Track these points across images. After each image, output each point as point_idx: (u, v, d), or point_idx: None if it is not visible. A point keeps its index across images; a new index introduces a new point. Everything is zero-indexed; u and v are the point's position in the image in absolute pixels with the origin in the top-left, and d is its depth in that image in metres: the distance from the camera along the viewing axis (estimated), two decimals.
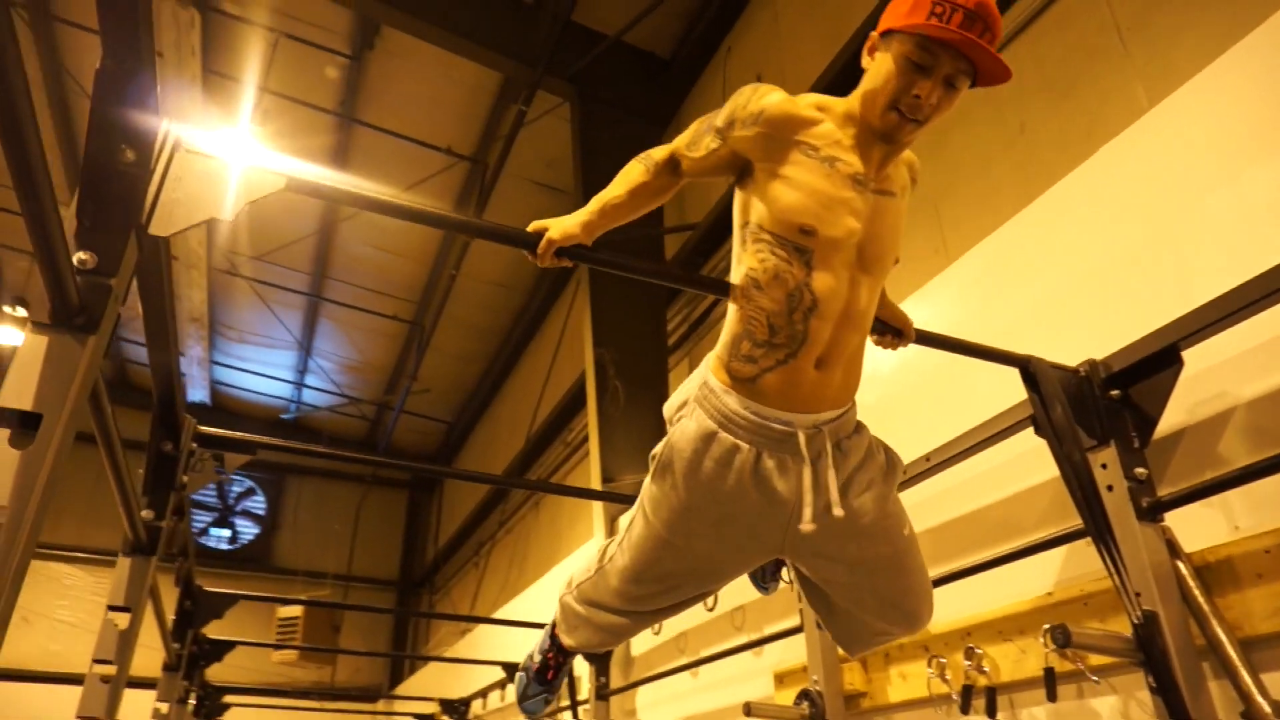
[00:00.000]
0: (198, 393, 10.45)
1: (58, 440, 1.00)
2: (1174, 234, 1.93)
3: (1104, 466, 1.75)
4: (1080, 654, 1.80)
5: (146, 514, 1.94)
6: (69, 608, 9.29)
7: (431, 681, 7.95)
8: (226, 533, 10.86)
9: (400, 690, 9.15)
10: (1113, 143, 2.19)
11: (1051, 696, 1.84)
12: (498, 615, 6.20)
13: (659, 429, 4.65)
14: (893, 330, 1.67)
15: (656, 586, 1.56)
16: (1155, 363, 1.74)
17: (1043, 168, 2.93)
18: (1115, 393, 1.80)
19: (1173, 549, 1.68)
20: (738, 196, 1.45)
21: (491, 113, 6.90)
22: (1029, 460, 2.13)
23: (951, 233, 3.30)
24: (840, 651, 2.55)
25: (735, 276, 1.42)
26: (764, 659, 3.03)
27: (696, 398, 1.44)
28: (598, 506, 4.53)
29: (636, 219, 1.56)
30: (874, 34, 1.34)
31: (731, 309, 1.42)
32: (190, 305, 8.51)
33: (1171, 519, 1.73)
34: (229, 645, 4.29)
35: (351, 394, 10.80)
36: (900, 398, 2.68)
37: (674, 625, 3.64)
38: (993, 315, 2.40)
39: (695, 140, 1.48)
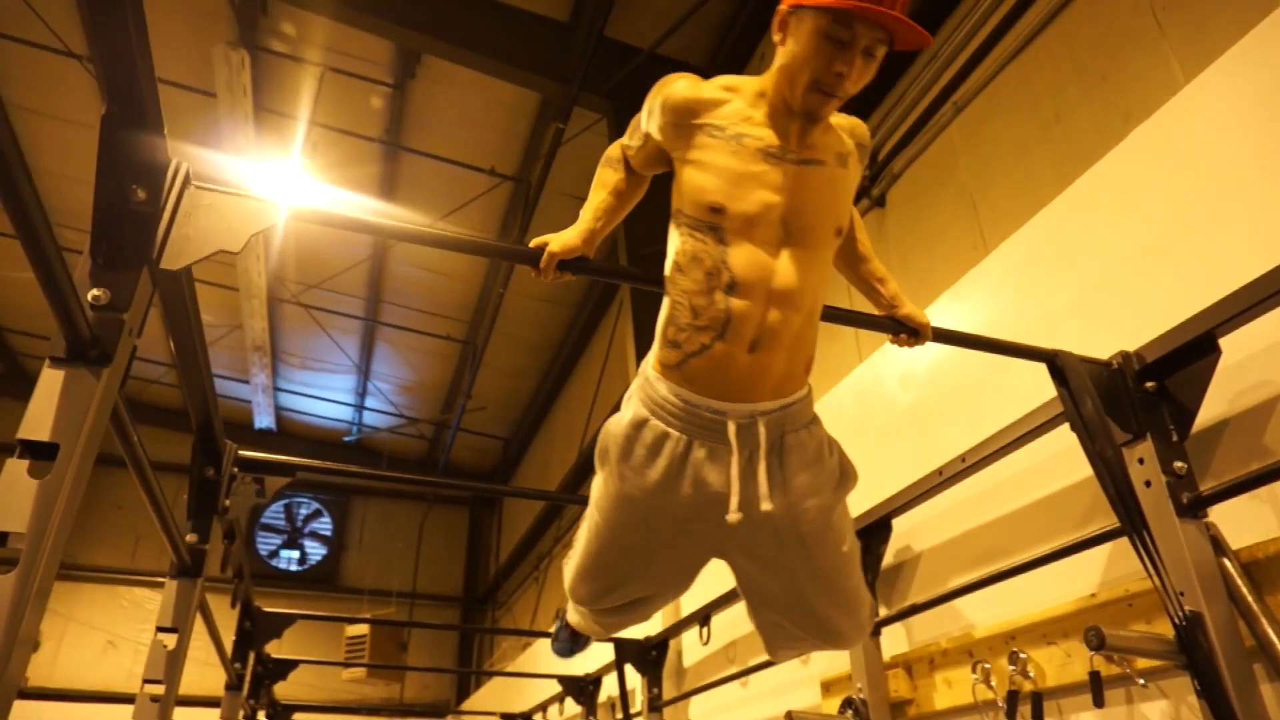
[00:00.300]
0: (264, 419, 10.79)
1: (74, 469, 1.05)
2: (1211, 214, 1.85)
3: (1140, 461, 1.69)
4: (1127, 657, 1.73)
5: (191, 538, 2.01)
6: (118, 627, 9.63)
7: (495, 696, 8.02)
8: (296, 554, 11.15)
9: (466, 705, 9.26)
10: (1146, 123, 2.11)
11: (1098, 702, 1.77)
12: None
13: None
14: (908, 330, 1.64)
15: (600, 584, 1.56)
16: (1191, 352, 1.67)
17: (1080, 156, 2.85)
18: (1150, 384, 1.73)
19: (1218, 546, 1.61)
20: (673, 187, 1.45)
21: (532, 132, 7.00)
22: (1069, 456, 2.06)
23: (990, 227, 3.23)
24: (885, 658, 2.51)
25: (665, 266, 1.41)
26: (811, 667, 2.98)
27: (636, 386, 1.44)
28: None
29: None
30: (781, 8, 1.30)
31: (664, 299, 1.42)
32: (253, 334, 8.80)
33: (1216, 515, 1.66)
34: (292, 664, 4.40)
35: (409, 414, 11.02)
36: (939, 398, 2.62)
37: (722, 634, 3.61)
38: (1028, 308, 2.34)
39: (631, 134, 1.52)
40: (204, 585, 2.04)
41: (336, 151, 7.08)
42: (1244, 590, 1.55)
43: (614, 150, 1.58)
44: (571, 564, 1.61)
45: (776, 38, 1.34)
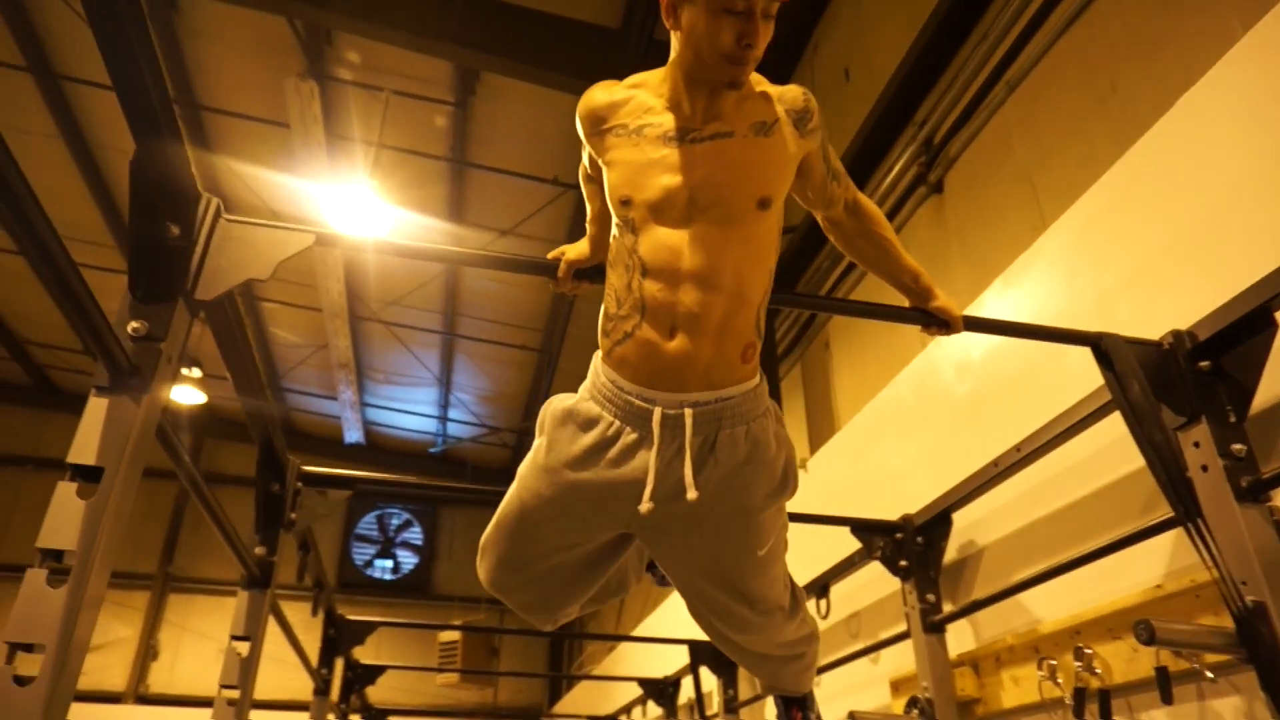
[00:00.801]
0: (354, 434, 11.19)
1: (118, 490, 1.13)
2: (1270, 179, 1.75)
3: (1196, 445, 1.61)
4: (1195, 651, 1.65)
5: (260, 550, 2.13)
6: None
7: (584, 699, 8.12)
8: (389, 564, 11.53)
9: (558, 708, 9.40)
10: (1199, 84, 2.01)
11: (1166, 698, 1.70)
12: (637, 632, 6.28)
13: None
14: (938, 322, 1.61)
15: (503, 556, 1.53)
16: (1245, 328, 1.59)
17: (1139, 127, 2.70)
18: (1204, 364, 1.65)
19: None
20: None
21: None
22: (1129, 442, 1.98)
23: (1050, 207, 3.11)
24: (952, 656, 2.45)
25: None
26: (880, 666, 2.93)
27: (589, 375, 1.44)
28: None
29: None
30: None
31: None
32: (338, 352, 9.14)
33: None
34: (380, 669, 4.55)
35: (491, 423, 11.26)
36: (996, 386, 2.54)
37: None
38: (1083, 288, 2.25)
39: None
40: (275, 594, 2.14)
41: (405, 172, 7.30)
42: None
43: (581, 167, 1.62)
44: (485, 541, 1.58)
45: (667, 22, 1.34)
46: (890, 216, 4.26)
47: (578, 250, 1.50)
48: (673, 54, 1.36)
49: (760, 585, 1.49)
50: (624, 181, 1.35)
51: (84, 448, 1.13)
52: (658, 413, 1.30)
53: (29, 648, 1.04)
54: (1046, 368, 2.32)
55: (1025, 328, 1.70)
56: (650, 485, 1.29)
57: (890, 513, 2.65)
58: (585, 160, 1.56)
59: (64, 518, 1.09)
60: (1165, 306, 1.93)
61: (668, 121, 1.35)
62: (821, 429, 4.86)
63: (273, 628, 3.13)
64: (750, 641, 1.59)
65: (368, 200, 6.51)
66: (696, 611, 1.57)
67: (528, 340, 9.64)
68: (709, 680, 4.07)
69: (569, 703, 8.98)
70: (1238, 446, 1.57)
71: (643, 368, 1.31)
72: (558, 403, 1.42)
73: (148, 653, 9.96)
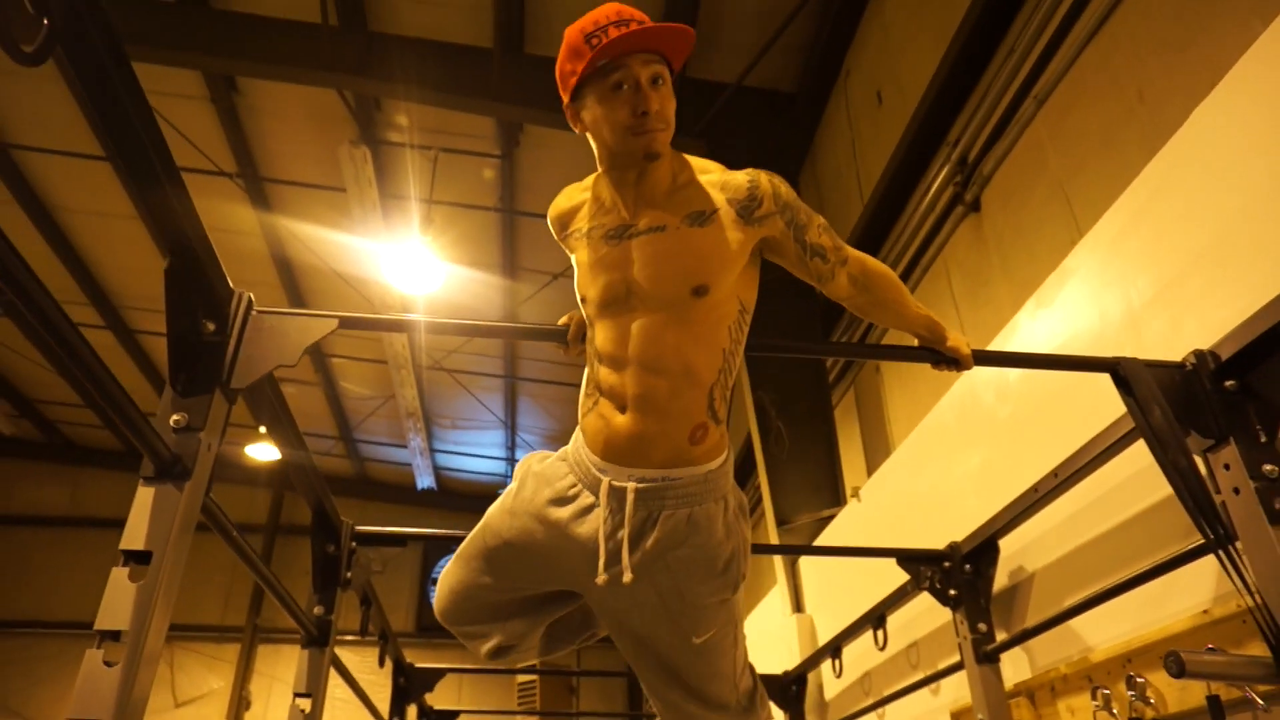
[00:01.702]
0: (425, 480, 11.45)
1: (166, 572, 1.23)
2: None
3: (1226, 468, 1.58)
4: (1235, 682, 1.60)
5: (318, 610, 2.23)
6: (343, 685, 10.39)
7: None
8: None
9: None
10: (1218, 87, 1.97)
11: None
12: None
13: (827, 466, 4.62)
14: (947, 360, 1.62)
15: (455, 587, 1.62)
16: (1269, 344, 1.56)
17: (1168, 134, 2.67)
18: (1230, 383, 1.62)
19: None
20: None
21: None
22: None
23: (1086, 219, 3.06)
24: (1007, 686, 2.41)
25: None
26: (941, 697, 2.88)
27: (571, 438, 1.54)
28: (777, 559, 4.52)
29: None
30: (566, 107, 1.41)
31: None
32: (405, 402, 9.40)
33: None
34: (454, 715, 4.64)
35: None
36: (1036, 408, 2.51)
37: (856, 665, 3.54)
38: (1113, 305, 2.21)
39: None
40: (334, 651, 2.24)
41: (459, 225, 7.54)
42: None
43: None
44: (444, 571, 1.69)
45: (576, 129, 1.43)
46: (930, 238, 4.24)
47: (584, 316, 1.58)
48: (598, 157, 1.44)
49: (699, 677, 1.50)
50: (580, 281, 1.48)
51: (134, 534, 1.24)
52: (605, 483, 1.39)
53: None
54: (1084, 387, 2.28)
55: (1039, 358, 1.70)
56: (603, 557, 1.36)
57: (941, 540, 2.62)
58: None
59: (118, 600, 1.19)
60: (1195, 321, 1.90)
61: (610, 221, 1.44)
62: (878, 455, 4.81)
63: (359, 674, 3.27)
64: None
65: (423, 256, 6.73)
66: (651, 699, 1.63)
67: None
68: (777, 715, 4.03)
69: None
70: (1269, 467, 1.53)
71: (599, 439, 1.40)
72: (535, 458, 1.55)
73: (240, 703, 10.30)
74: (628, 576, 1.34)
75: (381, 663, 3.21)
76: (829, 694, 3.91)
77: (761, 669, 4.11)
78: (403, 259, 6.74)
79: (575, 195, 1.54)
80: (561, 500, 1.45)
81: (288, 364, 1.44)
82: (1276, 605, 1.45)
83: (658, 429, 1.35)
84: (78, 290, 8.33)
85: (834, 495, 4.65)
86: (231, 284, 1.44)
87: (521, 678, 9.22)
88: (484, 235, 7.78)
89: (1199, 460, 1.64)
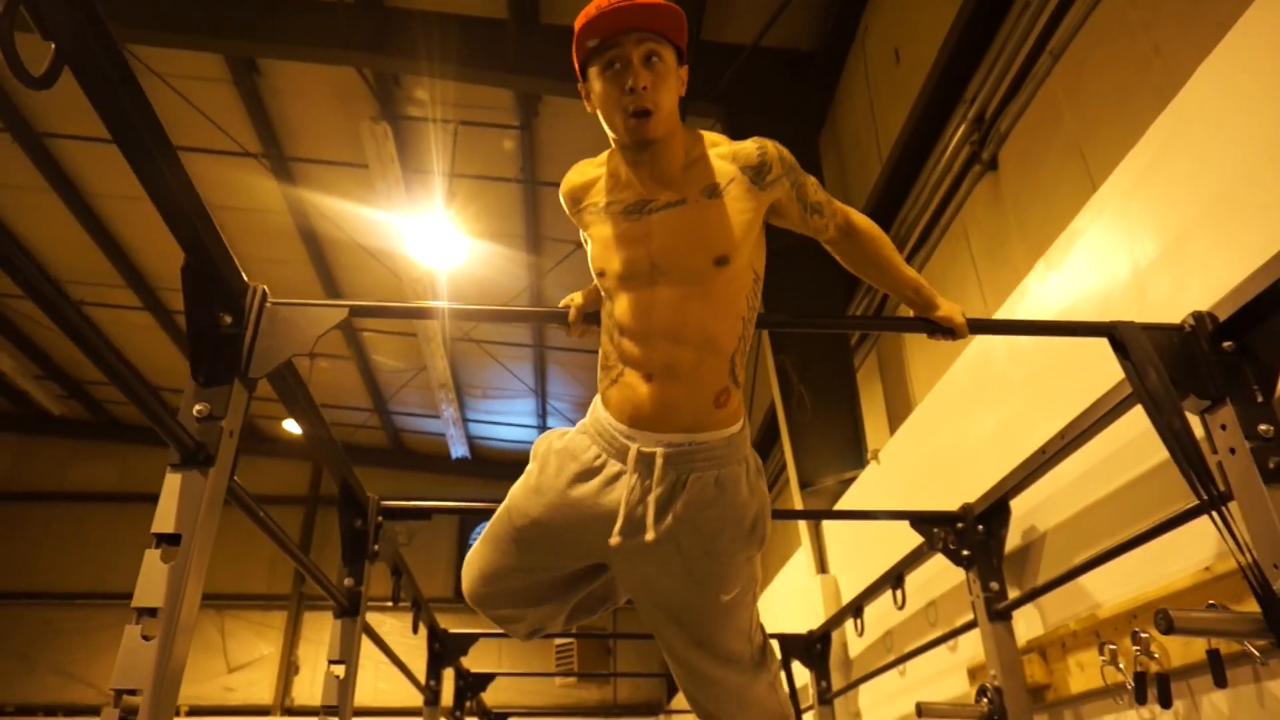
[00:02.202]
0: (459, 449, 11.65)
1: (195, 552, 1.32)
2: None
3: (1223, 428, 1.59)
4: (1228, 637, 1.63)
5: (348, 582, 2.34)
6: (366, 649, 10.77)
7: None
8: None
9: (674, 704, 9.57)
10: (1224, 41, 1.94)
11: (1220, 682, 1.69)
12: None
13: (850, 428, 4.65)
14: (943, 330, 1.65)
15: (484, 570, 1.65)
16: (1265, 305, 1.56)
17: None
18: (1228, 345, 1.63)
19: None
20: None
21: None
22: None
23: (1101, 177, 3.01)
24: (1021, 643, 2.46)
25: None
26: (959, 654, 2.94)
27: (589, 409, 1.57)
28: (801, 524, 4.58)
29: None
30: (580, 86, 1.47)
31: None
32: (436, 374, 9.55)
33: None
34: (489, 677, 4.80)
35: None
36: (1048, 368, 2.52)
37: (878, 624, 3.60)
38: (1122, 266, 2.21)
39: None
40: (365, 620, 2.35)
41: (483, 198, 7.59)
42: None
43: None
44: (470, 554, 1.71)
45: (589, 109, 1.48)
46: (947, 198, 4.21)
47: (586, 297, 1.63)
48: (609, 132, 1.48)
49: (721, 633, 1.55)
50: (597, 255, 1.50)
51: (164, 518, 1.32)
52: (633, 450, 1.42)
53: (133, 692, 1.23)
54: (1095, 348, 2.27)
55: (1035, 325, 1.72)
56: (621, 519, 1.40)
57: (958, 501, 2.66)
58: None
59: (151, 580, 1.28)
60: (1199, 281, 1.89)
61: (629, 196, 1.47)
62: (900, 416, 4.83)
63: (402, 639, 3.41)
64: (714, 700, 1.61)
65: (446, 230, 6.80)
66: (668, 660, 1.66)
67: None
68: (800, 674, 4.12)
69: (683, 699, 9.13)
70: (1264, 427, 1.55)
71: (625, 408, 1.44)
72: (554, 435, 1.58)
73: (289, 668, 10.68)
74: (650, 535, 1.38)
75: (415, 629, 3.33)
76: (853, 652, 3.99)
77: (787, 629, 4.21)
78: (426, 233, 6.81)
79: (588, 170, 1.57)
80: (588, 472, 1.48)
81: (301, 353, 1.51)
82: (1269, 563, 1.47)
83: (683, 395, 1.41)
84: (115, 274, 8.55)
85: (857, 457, 4.68)
86: (246, 278, 1.51)
87: (559, 640, 9.46)
88: (507, 207, 7.83)
89: (1198, 421, 1.66)
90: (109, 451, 11.62)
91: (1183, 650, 1.87)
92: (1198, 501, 1.58)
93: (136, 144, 1.17)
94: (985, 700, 2.37)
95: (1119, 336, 1.67)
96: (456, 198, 7.30)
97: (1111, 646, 2.07)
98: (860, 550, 3.99)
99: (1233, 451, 1.57)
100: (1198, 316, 1.68)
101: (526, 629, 1.76)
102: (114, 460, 11.55)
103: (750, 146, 1.48)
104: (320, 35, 5.86)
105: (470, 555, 1.73)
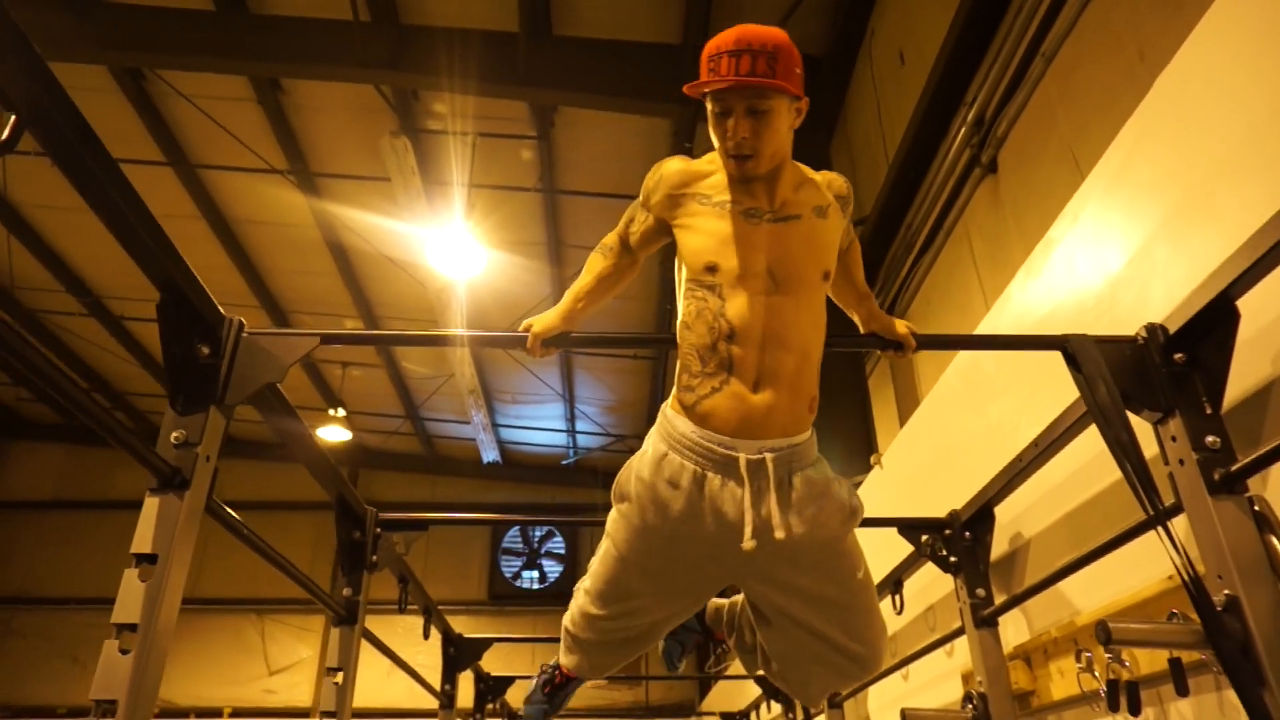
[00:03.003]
0: (490, 454, 11.82)
1: (171, 571, 1.41)
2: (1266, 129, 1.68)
3: (1174, 440, 1.61)
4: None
5: (346, 591, 2.43)
6: (424, 653, 10.96)
7: (725, 697, 8.28)
8: (535, 574, 12.09)
9: (704, 705, 9.61)
10: (1186, 43, 1.94)
11: (1181, 690, 1.70)
12: None
13: (861, 432, 4.66)
14: (892, 345, 1.69)
15: (619, 607, 1.68)
16: (1209, 317, 1.58)
17: None
18: (1179, 356, 1.64)
19: (1264, 523, 1.51)
20: (677, 261, 1.61)
21: (672, 152, 7.22)
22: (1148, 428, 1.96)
23: None
24: (1007, 650, 2.47)
25: (677, 324, 1.58)
26: (955, 658, 2.95)
27: (656, 426, 1.59)
28: None
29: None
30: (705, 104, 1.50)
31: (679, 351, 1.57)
32: (464, 380, 9.71)
33: (1271, 491, 1.55)
34: (509, 680, 4.89)
35: (616, 432, 11.61)
36: (1034, 372, 2.53)
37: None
38: (1093, 274, 2.22)
39: (631, 218, 1.69)
40: (362, 629, 2.44)
41: (503, 209, 7.72)
42: None
43: (610, 238, 1.74)
44: (584, 593, 1.75)
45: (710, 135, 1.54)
46: (950, 201, 4.21)
47: (544, 324, 1.67)
48: None
49: (863, 612, 1.65)
50: (707, 249, 1.51)
51: (142, 539, 1.42)
52: (742, 459, 1.46)
53: (111, 703, 1.32)
54: None
55: (987, 339, 1.75)
56: (749, 525, 1.44)
57: (953, 507, 2.67)
58: (637, 226, 1.68)
59: (130, 597, 1.38)
60: (1161, 291, 1.90)
61: (746, 201, 1.54)
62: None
63: (404, 645, 3.51)
64: (854, 668, 1.72)
65: (465, 241, 6.91)
66: (782, 653, 1.74)
67: (639, 349, 9.91)
68: None
69: (712, 700, 9.17)
70: (1211, 439, 1.56)
71: (730, 419, 1.47)
72: (640, 464, 1.57)
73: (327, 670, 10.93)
74: (780, 534, 1.43)
75: (426, 635, 3.43)
76: None
77: None
78: (446, 245, 6.93)
79: (698, 162, 1.61)
80: (695, 492, 1.48)
81: (275, 380, 1.60)
82: (1214, 573, 1.49)
83: (787, 402, 1.48)
84: (152, 288, 8.81)
85: (868, 462, 4.69)
86: (223, 310, 1.60)
87: None
88: (528, 216, 7.94)
89: (1155, 433, 1.68)
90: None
91: (1150, 659, 1.88)
92: (1143, 519, 1.60)
93: (103, 198, 1.26)
94: (970, 707, 2.39)
95: (1070, 349, 1.69)
96: (476, 209, 7.42)
97: (1087, 654, 2.09)
98: (866, 554, 4.00)
99: (1182, 463, 1.59)
100: (1150, 328, 1.70)
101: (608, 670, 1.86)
102: None
103: (839, 179, 1.65)
104: (336, 54, 6.02)
105: (591, 601, 1.73)
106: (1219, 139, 1.78)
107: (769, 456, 1.46)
